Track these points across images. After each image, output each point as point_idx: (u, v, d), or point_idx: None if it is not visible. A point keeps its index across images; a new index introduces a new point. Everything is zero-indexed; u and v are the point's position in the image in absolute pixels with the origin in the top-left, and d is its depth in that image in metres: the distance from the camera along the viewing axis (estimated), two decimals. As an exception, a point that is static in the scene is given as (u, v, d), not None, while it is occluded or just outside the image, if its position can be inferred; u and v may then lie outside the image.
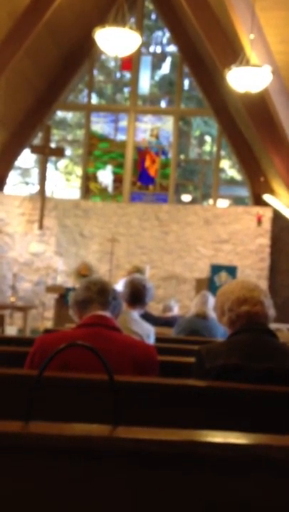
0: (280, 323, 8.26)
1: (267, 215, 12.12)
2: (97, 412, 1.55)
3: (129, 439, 1.21)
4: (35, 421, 1.25)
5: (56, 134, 13.84)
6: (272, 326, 2.47)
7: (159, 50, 13.88)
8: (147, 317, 5.01)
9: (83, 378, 1.96)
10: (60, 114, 13.96)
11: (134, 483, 1.20)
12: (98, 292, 2.39)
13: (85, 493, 1.19)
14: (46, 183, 12.61)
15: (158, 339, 3.80)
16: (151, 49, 13.83)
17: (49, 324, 11.16)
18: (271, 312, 2.35)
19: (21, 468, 1.20)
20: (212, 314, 4.61)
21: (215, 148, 13.26)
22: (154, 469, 1.21)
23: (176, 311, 6.78)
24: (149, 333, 3.57)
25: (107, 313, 2.35)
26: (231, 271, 10.31)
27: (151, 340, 3.57)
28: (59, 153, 12.65)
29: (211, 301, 4.70)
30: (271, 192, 12.09)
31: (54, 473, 1.20)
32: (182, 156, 13.63)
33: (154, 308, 9.98)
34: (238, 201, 13.17)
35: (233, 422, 1.91)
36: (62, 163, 13.97)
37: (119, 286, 4.60)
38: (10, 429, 1.21)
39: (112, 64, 13.91)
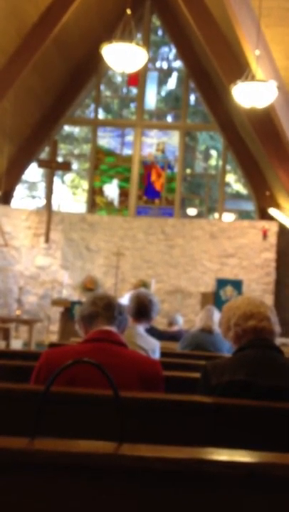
0: (285, 338, 8.22)
1: (272, 229, 12.11)
2: (103, 428, 1.54)
3: (134, 456, 1.20)
4: (41, 436, 1.25)
5: (63, 149, 13.93)
6: (278, 340, 2.46)
7: (165, 65, 14.00)
8: (152, 331, 5.01)
9: (89, 394, 1.95)
10: (67, 128, 14.06)
11: (139, 501, 1.20)
12: (104, 307, 2.39)
13: (89, 510, 1.18)
14: (53, 196, 12.68)
15: (163, 354, 3.79)
16: (158, 64, 13.95)
17: (54, 338, 11.14)
18: (277, 328, 2.35)
19: (26, 484, 1.19)
20: (218, 329, 4.59)
21: (220, 163, 13.31)
22: (158, 487, 1.20)
23: (181, 325, 6.76)
24: (154, 348, 3.56)
25: (113, 328, 2.35)
26: (237, 285, 10.29)
27: (156, 355, 3.56)
28: (66, 167, 12.73)
29: (217, 315, 4.68)
30: (277, 206, 12.10)
31: (59, 489, 1.19)
32: (188, 171, 13.68)
33: (159, 322, 9.95)
34: (243, 215, 13.18)
35: (239, 438, 1.90)
36: (69, 177, 14.04)
37: (125, 300, 4.60)
38: (16, 445, 1.21)
39: (118, 79, 14.04)
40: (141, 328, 3.62)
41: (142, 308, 3.60)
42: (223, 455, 1.24)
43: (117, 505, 1.19)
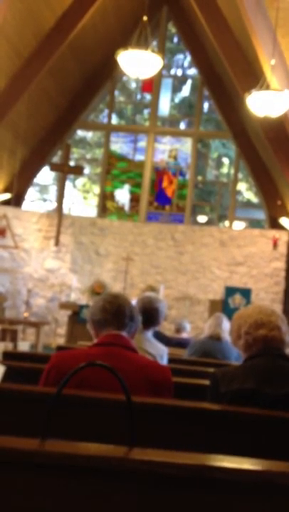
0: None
1: (283, 238, 12.08)
2: (113, 431, 1.55)
3: (144, 460, 1.21)
4: (51, 438, 1.26)
5: (75, 153, 13.99)
6: (288, 350, 2.46)
7: (180, 72, 14.04)
8: (160, 337, 5.00)
9: (100, 397, 1.96)
10: (80, 133, 14.13)
11: (147, 505, 1.20)
12: (114, 314, 2.35)
13: (97, 513, 1.19)
14: (64, 200, 12.72)
15: (171, 360, 3.78)
16: (173, 71, 14.00)
17: (61, 341, 11.16)
18: (288, 338, 2.34)
19: (36, 485, 1.20)
20: (226, 336, 4.58)
21: (232, 171, 13.31)
22: (167, 492, 1.21)
23: (188, 331, 6.75)
24: (162, 354, 3.56)
25: (123, 333, 2.35)
26: (246, 293, 10.27)
27: (164, 361, 3.56)
28: (78, 171, 12.78)
29: (225, 323, 4.68)
30: (288, 215, 12.07)
31: (68, 491, 1.20)
32: (199, 178, 13.69)
33: (167, 328, 9.95)
34: (254, 224, 13.16)
35: (248, 447, 1.90)
36: (81, 181, 14.10)
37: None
38: (26, 446, 1.21)
39: (133, 85, 14.10)
40: (149, 334, 3.62)
41: (148, 315, 3.58)
42: (233, 462, 1.24)
43: (125, 508, 1.19)
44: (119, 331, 2.34)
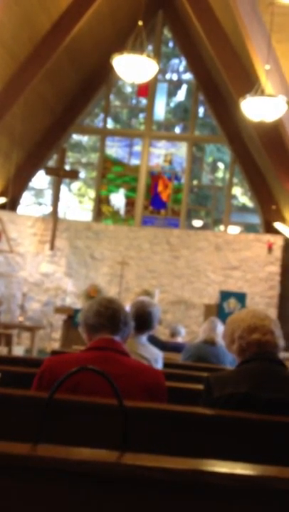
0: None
1: (278, 243, 12.11)
2: (106, 436, 1.55)
3: (136, 466, 1.20)
4: (44, 443, 1.26)
5: (71, 157, 13.99)
6: (281, 355, 2.46)
7: (175, 77, 14.08)
8: (155, 341, 5.00)
9: (92, 402, 1.96)
10: (75, 137, 14.13)
11: (140, 510, 1.20)
12: (109, 319, 2.35)
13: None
14: (59, 204, 12.72)
15: (166, 364, 3.78)
16: (168, 76, 14.03)
17: (56, 345, 11.14)
18: (281, 342, 2.35)
19: (28, 489, 1.20)
20: (221, 341, 4.58)
21: (227, 175, 13.34)
22: (159, 497, 1.21)
23: (183, 336, 6.75)
24: (157, 358, 3.55)
25: (116, 337, 2.35)
26: (241, 298, 10.28)
27: (159, 365, 3.55)
28: (73, 175, 12.78)
29: (220, 327, 4.68)
30: (282, 220, 12.11)
31: (60, 496, 1.20)
32: (195, 182, 13.71)
33: (162, 332, 9.95)
34: (249, 228, 13.19)
35: (241, 451, 1.90)
36: (76, 185, 14.10)
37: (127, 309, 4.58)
38: (19, 451, 1.21)
39: (128, 90, 14.12)
40: (143, 338, 3.61)
41: (142, 319, 3.58)
42: (225, 467, 1.24)
43: (117, 513, 1.19)
44: (113, 335, 2.34)
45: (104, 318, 2.36)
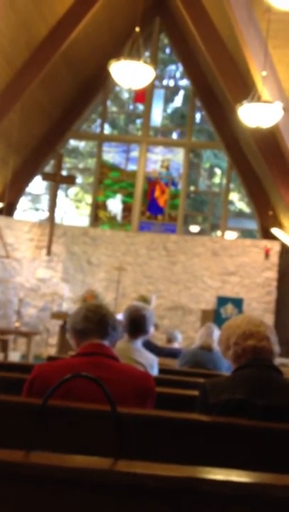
0: (285, 358, 8.18)
1: (275, 248, 12.12)
2: (99, 442, 1.53)
3: (130, 473, 1.19)
4: (36, 450, 1.24)
5: (68, 162, 14.00)
6: (277, 360, 2.45)
7: (172, 83, 14.12)
8: (151, 347, 4.99)
9: (86, 408, 1.94)
10: (72, 142, 14.14)
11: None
12: (97, 323, 2.35)
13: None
14: (56, 209, 12.71)
15: (162, 370, 3.77)
16: (165, 82, 14.07)
17: (53, 351, 11.10)
18: (277, 348, 2.34)
19: (21, 497, 1.18)
20: (217, 347, 4.57)
21: (224, 181, 13.36)
22: (153, 505, 1.19)
23: (180, 342, 6.73)
24: (152, 363, 3.54)
25: (105, 342, 2.34)
26: (237, 303, 10.28)
27: (154, 371, 3.54)
28: (70, 180, 12.78)
29: (217, 333, 4.67)
30: (279, 226, 12.12)
31: (53, 503, 1.18)
32: (192, 188, 13.73)
33: (158, 338, 9.92)
34: (246, 234, 13.20)
35: (236, 458, 1.89)
36: (73, 190, 14.10)
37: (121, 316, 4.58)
38: (11, 458, 1.20)
39: (125, 95, 14.16)
40: (138, 343, 3.60)
41: (136, 324, 3.58)
42: (220, 474, 1.23)
43: (111, 522, 1.18)
44: (101, 340, 2.33)
45: (93, 322, 2.35)
